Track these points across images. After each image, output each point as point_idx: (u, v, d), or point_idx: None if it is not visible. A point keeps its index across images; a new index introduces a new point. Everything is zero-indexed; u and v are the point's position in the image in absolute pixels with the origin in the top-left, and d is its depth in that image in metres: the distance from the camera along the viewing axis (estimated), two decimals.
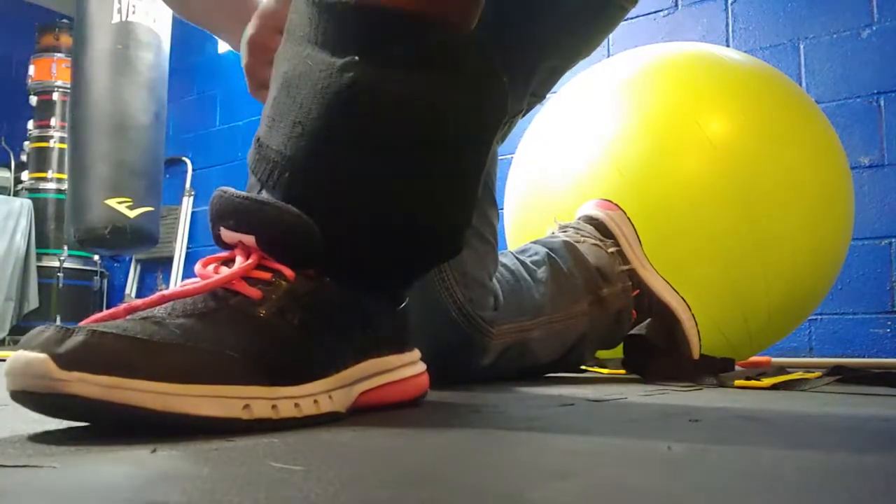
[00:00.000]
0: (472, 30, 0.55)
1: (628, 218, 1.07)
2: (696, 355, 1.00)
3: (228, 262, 0.50)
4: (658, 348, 0.97)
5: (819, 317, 1.95)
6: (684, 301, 1.02)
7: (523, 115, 0.96)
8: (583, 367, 1.09)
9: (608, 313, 0.99)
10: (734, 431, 0.47)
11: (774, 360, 1.67)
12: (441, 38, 0.52)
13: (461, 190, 0.56)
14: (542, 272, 0.95)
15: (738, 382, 0.83)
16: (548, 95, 0.99)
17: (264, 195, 0.51)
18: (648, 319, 0.99)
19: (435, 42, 0.52)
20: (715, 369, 0.94)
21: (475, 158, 0.56)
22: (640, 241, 1.06)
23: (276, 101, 0.53)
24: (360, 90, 0.50)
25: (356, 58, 0.50)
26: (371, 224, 0.52)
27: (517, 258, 0.97)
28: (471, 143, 0.55)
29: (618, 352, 1.03)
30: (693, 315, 1.01)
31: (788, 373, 0.94)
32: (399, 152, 0.52)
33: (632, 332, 0.99)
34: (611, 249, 1.03)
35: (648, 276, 1.03)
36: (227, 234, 0.51)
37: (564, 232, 1.06)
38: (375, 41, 0.51)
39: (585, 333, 0.97)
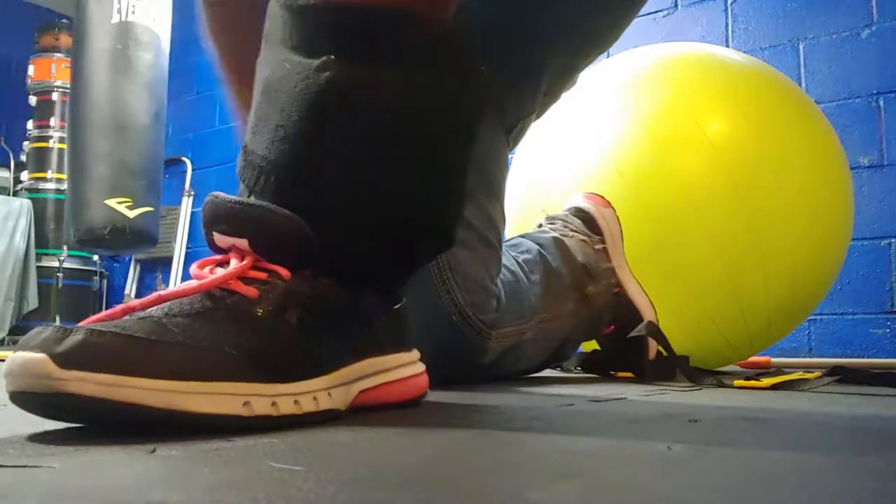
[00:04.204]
0: (448, 23, 0.55)
1: (617, 217, 1.08)
2: (651, 356, 1.00)
3: (224, 264, 0.50)
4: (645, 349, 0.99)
5: (819, 317, 1.95)
6: (652, 306, 1.04)
7: (538, 117, 0.93)
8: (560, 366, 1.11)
9: (592, 311, 1.00)
10: (734, 431, 0.47)
11: (774, 360, 1.67)
12: (415, 32, 0.52)
13: (446, 183, 0.56)
14: (535, 273, 0.95)
15: (738, 382, 0.83)
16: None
17: (253, 200, 0.51)
18: (646, 321, 0.99)
19: (409, 37, 0.52)
20: (667, 369, 0.95)
21: (458, 151, 0.56)
22: (622, 242, 1.07)
23: (258, 106, 0.53)
24: (337, 88, 0.50)
25: (332, 57, 0.50)
26: (359, 221, 0.52)
27: (512, 257, 0.97)
28: (452, 136, 0.55)
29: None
30: (657, 319, 1.02)
31: (788, 373, 0.94)
32: (379, 148, 0.52)
33: (632, 333, 0.99)
34: (597, 246, 1.03)
35: (625, 276, 1.05)
36: (221, 239, 0.51)
37: (552, 225, 1.06)
38: (349, 39, 0.51)
39: (572, 332, 0.97)
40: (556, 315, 0.95)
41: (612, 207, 1.09)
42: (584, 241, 1.03)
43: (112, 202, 2.64)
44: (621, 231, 1.07)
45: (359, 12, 0.50)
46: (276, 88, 0.52)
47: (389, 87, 0.51)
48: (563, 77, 0.92)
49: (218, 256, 0.51)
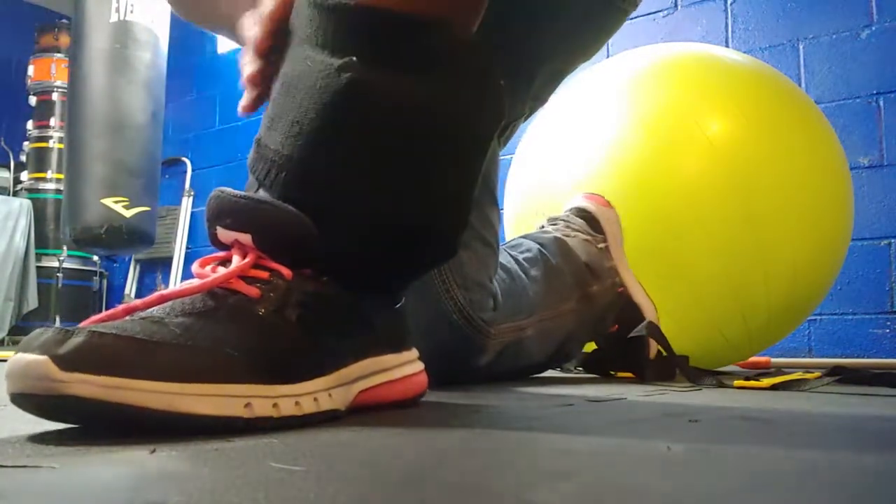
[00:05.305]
0: (471, 33, 0.55)
1: (618, 218, 1.08)
2: (651, 356, 1.00)
3: (225, 262, 0.50)
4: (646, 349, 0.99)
5: (819, 317, 1.95)
6: (653, 304, 1.04)
7: (525, 120, 0.96)
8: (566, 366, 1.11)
9: (595, 310, 1.00)
10: (734, 431, 0.47)
11: (774, 360, 1.68)
12: (439, 40, 0.52)
13: (456, 191, 0.56)
14: (535, 270, 0.95)
15: (738, 382, 0.83)
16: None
17: (262, 194, 0.51)
18: (647, 321, 0.99)
19: (433, 44, 0.52)
20: (667, 369, 0.95)
21: (471, 161, 0.56)
22: (623, 242, 1.07)
23: (276, 101, 0.53)
24: (358, 90, 0.50)
25: (354, 58, 0.50)
26: (367, 224, 0.52)
27: (511, 255, 0.98)
28: (466, 146, 0.55)
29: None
30: (658, 319, 1.02)
31: (788, 373, 0.94)
32: (394, 153, 0.52)
33: (632, 334, 0.99)
34: (600, 245, 1.03)
35: (627, 276, 1.05)
36: (224, 234, 0.51)
37: (555, 226, 1.07)
38: (374, 42, 0.51)
39: (574, 330, 0.97)
40: (557, 313, 0.95)
41: (613, 208, 1.09)
42: (586, 240, 1.03)
43: (109, 201, 2.64)
44: (622, 233, 1.08)
45: (386, 16, 0.50)
46: (295, 85, 0.52)
47: (409, 92, 0.51)
48: (552, 82, 0.94)
49: (220, 254, 0.51)
